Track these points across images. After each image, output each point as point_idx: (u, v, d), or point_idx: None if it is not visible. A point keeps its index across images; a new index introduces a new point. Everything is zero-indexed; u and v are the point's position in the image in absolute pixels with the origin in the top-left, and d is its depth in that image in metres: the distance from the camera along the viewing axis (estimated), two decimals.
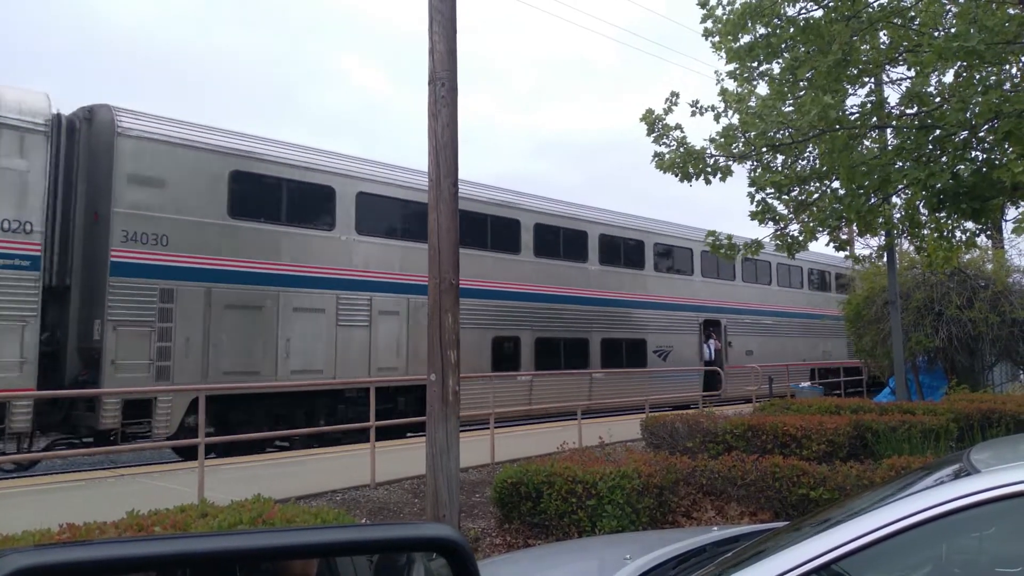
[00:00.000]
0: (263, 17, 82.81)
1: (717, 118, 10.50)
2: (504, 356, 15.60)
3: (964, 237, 10.76)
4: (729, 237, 11.29)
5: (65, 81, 67.87)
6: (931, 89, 9.50)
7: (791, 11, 9.09)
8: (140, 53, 71.51)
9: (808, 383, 19.80)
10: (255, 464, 9.64)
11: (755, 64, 9.95)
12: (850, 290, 23.86)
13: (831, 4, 8.68)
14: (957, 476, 2.11)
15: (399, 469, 8.71)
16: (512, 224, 16.10)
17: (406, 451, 9.89)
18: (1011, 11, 7.55)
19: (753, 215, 10.76)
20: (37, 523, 3.98)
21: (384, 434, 10.61)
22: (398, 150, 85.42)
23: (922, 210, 10.03)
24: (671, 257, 20.22)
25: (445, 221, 5.98)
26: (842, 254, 12.95)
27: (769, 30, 9.16)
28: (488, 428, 10.02)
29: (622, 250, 18.75)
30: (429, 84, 6.09)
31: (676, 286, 20.06)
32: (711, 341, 20.61)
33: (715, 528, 3.44)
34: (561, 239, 17.22)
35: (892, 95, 10.75)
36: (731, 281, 21.87)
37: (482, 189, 15.88)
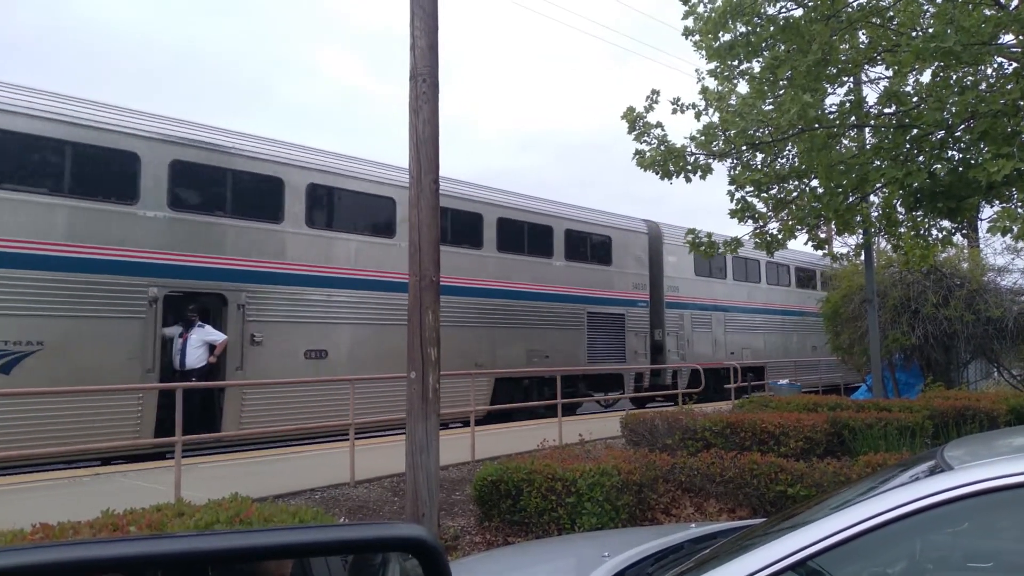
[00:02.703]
0: (235, 8, 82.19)
1: (698, 116, 10.56)
2: None
3: (940, 236, 10.92)
4: (709, 235, 11.34)
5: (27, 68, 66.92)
6: (909, 89, 9.61)
7: (771, 10, 9.15)
8: (106, 43, 70.60)
9: (786, 380, 19.81)
10: (233, 462, 9.57)
11: (735, 63, 10.01)
12: (610, 262, 16.52)
13: (811, 4, 8.75)
14: (932, 473, 2.13)
15: (379, 467, 8.67)
16: None
17: (386, 449, 9.85)
18: (987, 12, 7.64)
19: (732, 213, 10.82)
20: (10, 523, 3.92)
21: None
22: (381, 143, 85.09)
23: (899, 209, 10.16)
24: (54, 167, 9.39)
25: (426, 217, 5.94)
26: (820, 252, 13.04)
27: (749, 29, 9.21)
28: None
29: None
30: (410, 80, 6.06)
31: (67, 224, 9.43)
32: (197, 332, 10.53)
33: (693, 525, 3.46)
34: None
35: (870, 94, 10.86)
36: (273, 224, 11.35)
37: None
